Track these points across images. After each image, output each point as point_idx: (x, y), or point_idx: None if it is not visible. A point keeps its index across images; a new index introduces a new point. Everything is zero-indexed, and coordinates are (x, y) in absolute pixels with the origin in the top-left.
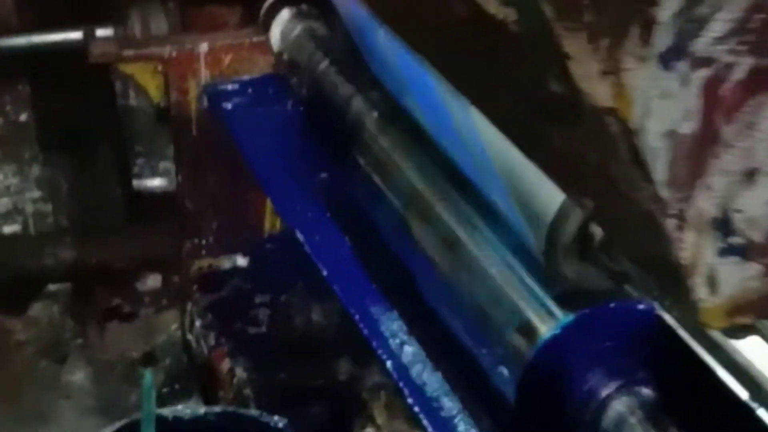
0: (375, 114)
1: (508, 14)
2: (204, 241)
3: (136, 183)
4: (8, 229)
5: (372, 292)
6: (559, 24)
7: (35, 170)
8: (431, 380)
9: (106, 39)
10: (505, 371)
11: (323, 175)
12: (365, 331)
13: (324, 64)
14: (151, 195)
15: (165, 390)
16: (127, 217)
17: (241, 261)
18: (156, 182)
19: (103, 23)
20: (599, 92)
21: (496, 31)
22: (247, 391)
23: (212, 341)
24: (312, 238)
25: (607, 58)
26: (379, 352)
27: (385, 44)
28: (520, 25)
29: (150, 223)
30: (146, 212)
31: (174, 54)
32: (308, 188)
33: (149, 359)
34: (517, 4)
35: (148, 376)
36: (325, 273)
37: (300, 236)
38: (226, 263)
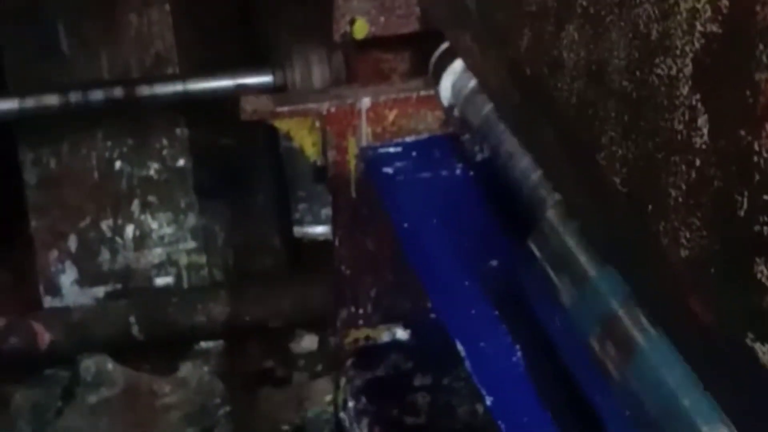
0: (557, 197)
1: None
2: (361, 310)
3: (296, 230)
4: (161, 281)
5: (547, 425)
6: None
7: (191, 219)
8: None
9: (259, 92)
10: None
11: (493, 262)
12: None
13: (502, 125)
14: (313, 243)
15: None
16: (286, 267)
17: (402, 334)
18: (318, 230)
19: (263, 69)
20: None
21: None
22: None
23: (365, 428)
24: (474, 344)
25: None
26: None
27: None
28: None
29: (310, 274)
30: (306, 262)
31: (333, 110)
32: (473, 278)
33: None
34: None
35: None
36: (488, 402)
37: (459, 346)
38: (384, 335)
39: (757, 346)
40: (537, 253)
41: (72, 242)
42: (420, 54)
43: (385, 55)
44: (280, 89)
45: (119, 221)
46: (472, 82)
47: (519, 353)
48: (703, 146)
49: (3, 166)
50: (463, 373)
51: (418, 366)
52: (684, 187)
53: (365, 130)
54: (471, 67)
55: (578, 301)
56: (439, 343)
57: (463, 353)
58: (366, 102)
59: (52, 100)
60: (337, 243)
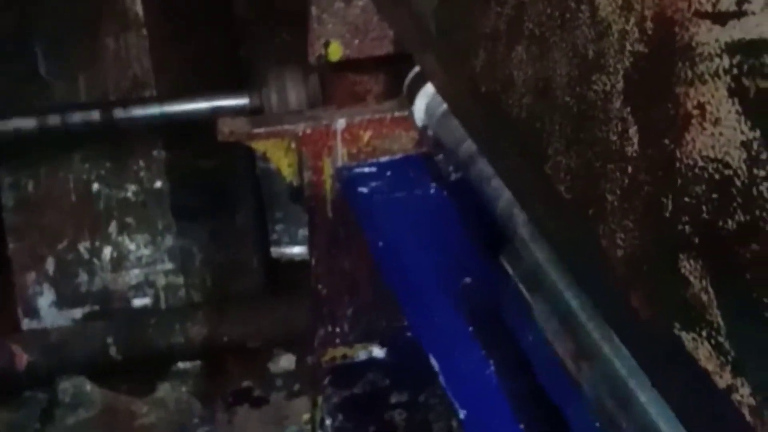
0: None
1: None
2: (338, 329)
3: (274, 250)
4: (138, 303)
5: None
6: None
7: (168, 240)
8: None
9: (235, 114)
10: None
11: (467, 279)
12: None
13: (473, 145)
14: (290, 263)
15: None
16: (264, 287)
17: (378, 352)
18: (295, 250)
19: (240, 91)
20: None
21: None
22: None
23: None
24: (448, 360)
25: None
26: None
27: None
28: None
29: (287, 294)
30: (284, 282)
31: (308, 131)
32: (448, 295)
33: None
34: None
35: None
36: (462, 415)
37: (433, 361)
38: (361, 354)
39: (683, 334)
40: (509, 269)
41: (50, 264)
42: (394, 75)
43: (360, 77)
44: (257, 111)
45: (97, 243)
46: (445, 104)
47: (492, 368)
48: (634, 154)
49: None
50: (439, 390)
51: (395, 383)
52: (618, 192)
53: (341, 151)
54: (437, 87)
55: (549, 315)
56: (415, 360)
57: (437, 368)
58: (341, 123)
59: (29, 123)
60: (314, 262)
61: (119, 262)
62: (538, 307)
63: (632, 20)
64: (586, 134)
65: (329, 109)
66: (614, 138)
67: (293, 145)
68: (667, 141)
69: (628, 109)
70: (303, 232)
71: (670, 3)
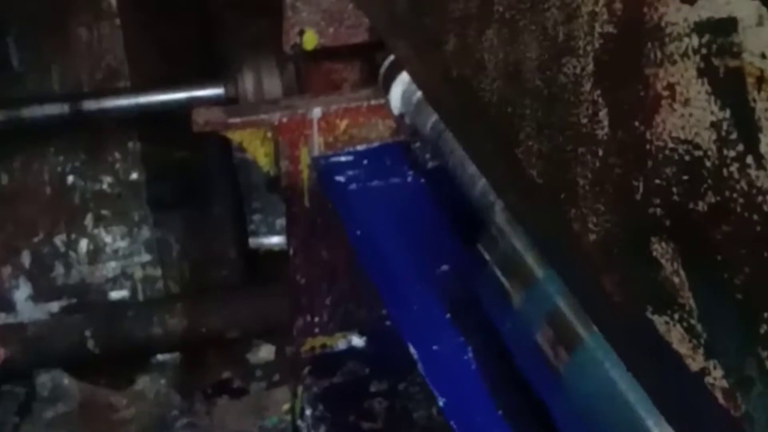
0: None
1: None
2: (317, 318)
3: (252, 241)
4: (116, 295)
5: (499, 425)
6: None
7: (145, 232)
8: None
9: (211, 104)
10: None
11: (445, 267)
12: None
13: (449, 133)
14: (269, 253)
15: None
16: (242, 278)
17: (357, 341)
18: (274, 240)
19: (215, 81)
20: None
21: None
22: None
23: None
24: (427, 347)
25: None
26: None
27: None
28: None
29: (266, 284)
30: (262, 273)
31: (285, 120)
32: (426, 283)
33: None
34: None
35: None
36: (441, 403)
37: (412, 349)
38: (340, 343)
39: (655, 318)
40: (487, 256)
41: (26, 258)
42: (370, 63)
43: (336, 65)
44: (233, 101)
45: (73, 236)
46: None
47: (471, 354)
48: (605, 137)
49: None
50: (419, 379)
51: (375, 372)
52: (590, 175)
53: (317, 140)
54: (410, 73)
55: (526, 301)
56: (394, 349)
57: (415, 356)
58: (317, 112)
59: (1, 116)
60: (292, 252)
61: (96, 255)
62: (516, 293)
63: (601, 1)
64: (557, 118)
65: (305, 98)
66: (585, 121)
67: (269, 135)
68: (637, 123)
69: (599, 91)
70: (281, 222)
71: None
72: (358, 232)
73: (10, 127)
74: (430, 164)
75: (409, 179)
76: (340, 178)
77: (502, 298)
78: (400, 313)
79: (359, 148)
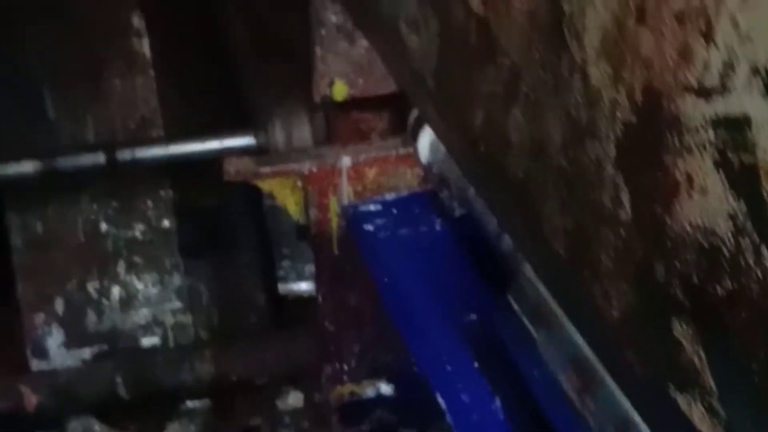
0: None
1: None
2: (346, 366)
3: (281, 287)
4: (147, 342)
5: None
6: None
7: (176, 279)
8: None
9: (241, 154)
10: None
11: (472, 316)
12: None
13: None
14: (297, 300)
15: None
16: (271, 323)
17: (385, 388)
18: (303, 286)
19: (245, 130)
20: None
21: None
22: None
23: None
24: (455, 397)
25: None
26: None
27: None
28: None
29: (295, 330)
30: (291, 318)
31: (314, 169)
32: (453, 331)
33: None
34: None
35: None
36: None
37: (439, 398)
38: (369, 390)
39: (678, 396)
40: (515, 305)
41: (59, 305)
42: (398, 112)
43: (364, 115)
44: (263, 150)
45: (105, 283)
46: None
47: (498, 403)
48: (627, 219)
49: None
50: (447, 426)
51: (403, 420)
52: (613, 254)
53: (346, 189)
54: (438, 136)
55: (552, 348)
56: (422, 396)
57: (443, 405)
58: (346, 161)
59: (36, 166)
60: (320, 299)
61: (127, 302)
62: (544, 342)
63: (622, 91)
64: (581, 198)
65: (334, 147)
66: (608, 203)
67: (299, 184)
68: (657, 207)
69: (620, 175)
70: (310, 267)
71: (658, 76)
72: (386, 280)
73: (46, 176)
74: (458, 212)
75: (437, 228)
76: (369, 227)
77: (530, 347)
78: (427, 362)
79: (387, 197)
